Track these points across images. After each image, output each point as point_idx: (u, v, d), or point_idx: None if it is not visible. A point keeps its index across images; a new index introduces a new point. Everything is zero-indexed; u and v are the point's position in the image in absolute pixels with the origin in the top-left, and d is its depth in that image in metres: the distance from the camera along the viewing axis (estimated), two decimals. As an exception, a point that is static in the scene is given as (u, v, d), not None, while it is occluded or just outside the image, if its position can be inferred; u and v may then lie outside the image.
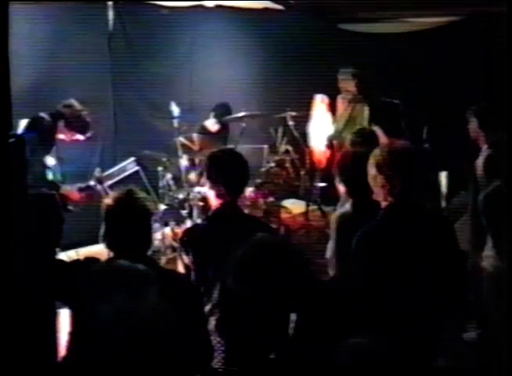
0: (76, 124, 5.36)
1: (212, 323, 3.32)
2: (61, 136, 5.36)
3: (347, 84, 7.21)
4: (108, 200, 2.98)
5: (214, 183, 3.48)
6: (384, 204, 3.26)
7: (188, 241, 3.42)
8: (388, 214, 3.22)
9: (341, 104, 7.43)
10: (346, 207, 3.76)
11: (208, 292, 3.32)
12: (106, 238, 2.96)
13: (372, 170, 3.27)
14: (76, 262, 3.22)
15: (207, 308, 3.32)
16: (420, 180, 3.32)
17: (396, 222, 3.19)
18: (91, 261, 3.14)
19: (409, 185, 3.23)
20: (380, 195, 3.27)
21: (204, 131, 7.18)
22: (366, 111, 7.14)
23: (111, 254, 3.08)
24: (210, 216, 3.60)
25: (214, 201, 3.51)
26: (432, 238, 3.20)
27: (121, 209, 2.93)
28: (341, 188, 3.83)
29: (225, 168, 3.48)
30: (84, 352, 1.79)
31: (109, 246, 2.97)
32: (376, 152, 3.34)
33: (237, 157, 3.58)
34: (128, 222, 2.92)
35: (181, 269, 3.43)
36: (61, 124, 5.30)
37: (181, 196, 6.48)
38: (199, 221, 5.95)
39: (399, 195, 3.20)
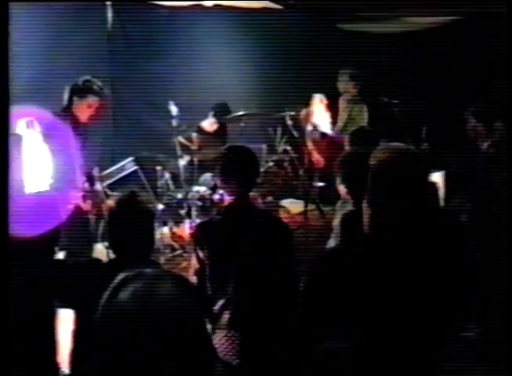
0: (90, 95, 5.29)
1: (225, 317, 3.35)
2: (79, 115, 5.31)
3: (347, 85, 7.25)
4: (111, 202, 2.98)
5: (226, 179, 3.53)
6: None
7: (202, 236, 3.45)
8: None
9: (342, 105, 7.46)
10: (348, 207, 3.77)
11: (222, 287, 3.35)
12: (108, 240, 2.96)
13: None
14: (77, 262, 3.22)
15: (221, 303, 3.35)
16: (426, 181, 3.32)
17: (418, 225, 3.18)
18: (91, 261, 3.15)
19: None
20: None
21: (201, 131, 7.18)
22: (365, 112, 7.17)
23: (111, 256, 3.09)
24: (223, 211, 3.64)
25: (227, 197, 3.56)
26: (445, 238, 3.19)
27: (124, 211, 2.94)
28: (342, 188, 3.84)
29: (236, 164, 3.54)
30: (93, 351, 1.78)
31: (111, 247, 2.97)
32: (379, 155, 3.32)
33: (247, 153, 3.64)
34: (131, 223, 2.93)
35: (195, 263, 3.46)
36: (76, 99, 5.26)
37: (179, 195, 6.48)
38: (198, 220, 5.96)
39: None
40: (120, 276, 2.02)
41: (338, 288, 2.76)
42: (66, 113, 5.21)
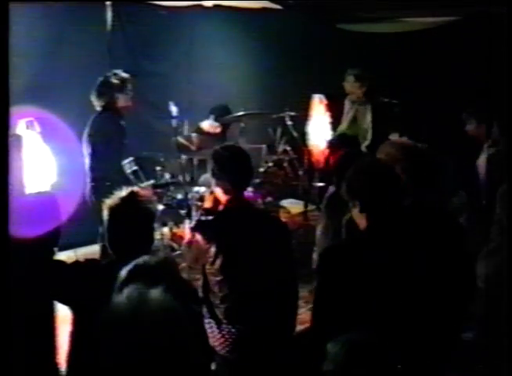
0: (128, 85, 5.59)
1: (223, 312, 3.36)
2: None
3: (352, 86, 7.26)
4: (111, 201, 2.97)
5: (220, 180, 3.52)
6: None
7: (200, 234, 3.46)
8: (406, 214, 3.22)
9: (347, 106, 7.47)
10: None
11: (221, 282, 3.36)
12: (107, 238, 2.96)
13: None
14: (75, 262, 3.22)
15: (219, 298, 3.37)
16: (431, 179, 3.33)
17: (415, 222, 3.19)
18: (90, 262, 3.15)
19: (422, 184, 3.25)
20: None
21: (201, 132, 7.17)
22: (369, 112, 7.17)
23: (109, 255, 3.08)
24: (220, 212, 3.64)
25: (222, 197, 3.56)
26: (444, 238, 3.20)
27: (124, 210, 2.93)
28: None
29: (229, 164, 3.53)
30: (91, 352, 1.79)
31: (110, 246, 2.97)
32: (387, 149, 3.34)
33: (240, 153, 3.63)
34: (131, 222, 2.92)
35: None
36: (119, 95, 5.50)
37: (179, 196, 6.47)
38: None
39: (413, 195, 3.22)
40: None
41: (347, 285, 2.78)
42: (112, 110, 5.45)
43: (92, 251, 5.97)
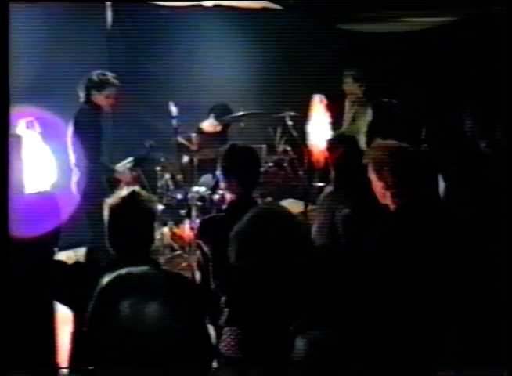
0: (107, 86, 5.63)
1: (227, 312, 3.37)
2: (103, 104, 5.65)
3: (351, 86, 7.27)
4: (111, 201, 2.98)
5: (228, 178, 3.54)
6: (392, 206, 3.27)
7: (206, 232, 3.51)
8: (401, 215, 3.22)
9: (347, 106, 7.48)
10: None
11: (226, 282, 3.37)
12: (108, 238, 2.96)
13: (371, 173, 3.29)
14: (75, 263, 3.23)
15: (224, 298, 3.37)
16: (421, 178, 3.34)
17: (410, 223, 3.19)
18: (90, 262, 3.15)
19: (414, 183, 3.26)
20: (385, 198, 3.28)
21: (201, 132, 7.18)
22: (369, 113, 7.17)
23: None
24: (226, 208, 3.67)
25: (230, 195, 3.59)
26: (443, 239, 3.20)
27: (125, 209, 2.93)
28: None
29: (238, 162, 3.58)
30: (90, 353, 1.80)
31: (111, 246, 2.97)
32: (373, 154, 3.35)
33: (248, 151, 3.67)
34: (131, 222, 2.92)
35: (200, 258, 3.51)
36: (94, 92, 5.57)
37: (179, 196, 6.47)
38: (198, 220, 5.96)
39: (408, 196, 3.22)
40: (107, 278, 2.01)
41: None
42: (89, 104, 5.56)
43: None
